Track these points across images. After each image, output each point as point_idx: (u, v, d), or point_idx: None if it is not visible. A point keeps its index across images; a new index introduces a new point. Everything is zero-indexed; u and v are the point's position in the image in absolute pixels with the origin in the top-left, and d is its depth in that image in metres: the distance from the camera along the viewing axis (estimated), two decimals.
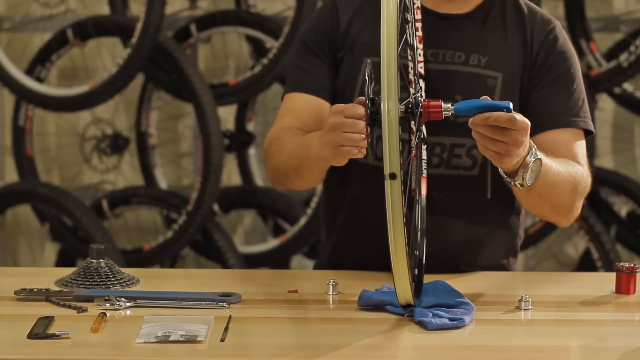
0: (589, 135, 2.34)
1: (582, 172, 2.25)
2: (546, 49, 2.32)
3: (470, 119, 1.95)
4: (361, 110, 1.97)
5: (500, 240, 2.38)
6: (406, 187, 1.90)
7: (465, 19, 2.33)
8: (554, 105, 2.30)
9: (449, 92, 2.24)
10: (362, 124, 1.96)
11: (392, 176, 1.75)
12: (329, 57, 2.36)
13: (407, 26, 2.06)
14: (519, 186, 2.08)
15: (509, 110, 1.92)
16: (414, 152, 2.12)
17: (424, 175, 2.17)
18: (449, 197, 2.24)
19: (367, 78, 1.86)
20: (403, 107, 1.88)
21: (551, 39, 2.33)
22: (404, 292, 1.87)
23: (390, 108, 1.76)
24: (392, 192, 1.76)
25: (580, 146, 2.31)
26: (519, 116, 1.93)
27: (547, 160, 2.11)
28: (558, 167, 2.16)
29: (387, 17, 1.78)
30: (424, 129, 2.14)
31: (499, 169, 2.09)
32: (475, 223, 2.34)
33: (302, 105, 2.36)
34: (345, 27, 2.35)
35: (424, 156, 2.18)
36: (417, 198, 2.13)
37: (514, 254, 2.43)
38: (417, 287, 2.02)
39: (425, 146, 2.19)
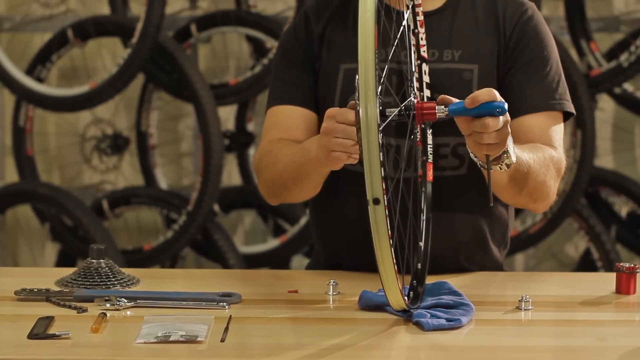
0: (570, 116, 2.32)
1: (551, 155, 2.23)
2: (518, 32, 2.29)
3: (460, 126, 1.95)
4: (352, 115, 1.94)
5: (492, 234, 2.36)
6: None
7: (436, 15, 2.30)
8: (527, 90, 2.27)
9: None
10: (353, 129, 1.94)
11: (376, 201, 1.72)
12: (308, 66, 2.34)
13: (410, 32, 2.05)
14: (506, 167, 2.05)
15: (503, 110, 1.91)
16: (419, 137, 2.10)
17: (430, 160, 2.14)
18: (438, 200, 2.20)
19: (357, 84, 1.83)
20: (380, 110, 1.80)
21: (523, 21, 2.30)
22: (399, 303, 1.87)
23: (369, 115, 1.71)
24: (377, 217, 1.73)
25: (555, 130, 2.28)
26: (494, 118, 1.91)
27: (517, 149, 2.09)
28: (528, 154, 2.14)
29: (364, 20, 1.73)
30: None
31: (477, 162, 2.07)
32: (466, 222, 2.32)
33: (288, 116, 2.34)
34: (319, 35, 2.34)
35: (430, 141, 2.14)
36: (423, 187, 2.12)
37: (505, 246, 2.42)
38: (420, 281, 2.01)
39: (431, 130, 2.15)
